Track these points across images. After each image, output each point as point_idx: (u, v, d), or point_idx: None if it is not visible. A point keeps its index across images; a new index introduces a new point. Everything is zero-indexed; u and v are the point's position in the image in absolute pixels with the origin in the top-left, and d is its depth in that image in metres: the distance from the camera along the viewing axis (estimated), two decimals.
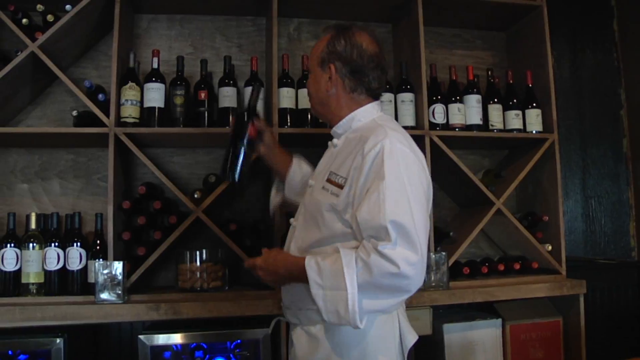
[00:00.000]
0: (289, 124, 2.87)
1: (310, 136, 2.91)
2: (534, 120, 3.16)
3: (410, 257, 1.62)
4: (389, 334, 1.84)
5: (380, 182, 1.67)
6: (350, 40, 1.91)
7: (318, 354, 1.84)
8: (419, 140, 2.94)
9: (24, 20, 2.76)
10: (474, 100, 3.09)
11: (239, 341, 2.66)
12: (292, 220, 2.07)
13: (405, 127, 2.91)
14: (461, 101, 3.08)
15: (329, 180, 1.86)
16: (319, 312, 1.73)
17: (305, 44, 3.30)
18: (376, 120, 1.93)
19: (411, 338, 1.90)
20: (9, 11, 2.76)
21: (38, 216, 2.72)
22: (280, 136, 2.77)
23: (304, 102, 2.89)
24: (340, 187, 1.80)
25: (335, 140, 1.99)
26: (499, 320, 2.95)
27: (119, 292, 2.57)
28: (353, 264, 1.65)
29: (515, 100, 3.18)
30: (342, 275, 1.64)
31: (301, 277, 1.74)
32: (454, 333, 2.86)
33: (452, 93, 3.10)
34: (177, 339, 2.59)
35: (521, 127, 3.16)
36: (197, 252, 2.73)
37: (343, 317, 1.65)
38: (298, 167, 2.29)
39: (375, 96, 1.98)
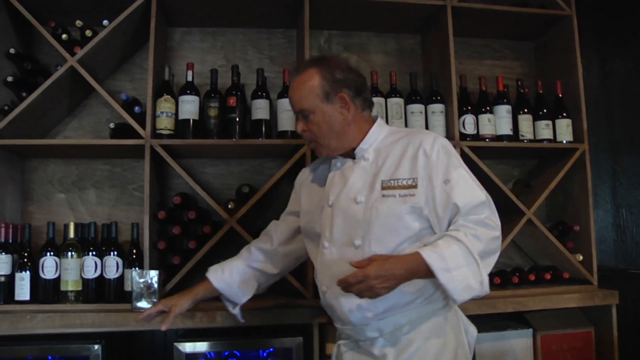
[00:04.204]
0: None
1: None
2: (564, 130, 3.16)
3: (498, 221, 1.86)
4: (458, 327, 1.99)
5: (458, 171, 1.88)
6: (343, 66, 1.99)
7: (410, 355, 1.89)
8: None
9: (64, 36, 2.85)
10: (504, 111, 3.10)
11: (271, 349, 2.70)
12: (326, 244, 1.98)
13: None
14: (491, 112, 3.09)
15: (388, 188, 1.90)
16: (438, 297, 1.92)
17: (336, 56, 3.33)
18: (393, 130, 2.07)
19: (473, 330, 2.06)
20: (50, 27, 2.85)
21: (76, 225, 2.79)
22: None
23: None
24: (412, 187, 1.88)
25: (367, 155, 2.00)
26: (530, 330, 2.95)
27: (155, 300, 2.61)
28: (466, 239, 1.76)
29: (545, 110, 3.18)
30: (466, 251, 1.75)
31: (421, 271, 1.75)
32: (485, 343, 2.86)
33: (482, 103, 3.11)
34: (211, 346, 2.64)
35: (551, 137, 3.16)
36: None
37: (475, 289, 1.75)
38: (225, 278, 2.26)
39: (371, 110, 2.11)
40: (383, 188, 1.91)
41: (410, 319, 1.90)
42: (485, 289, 1.77)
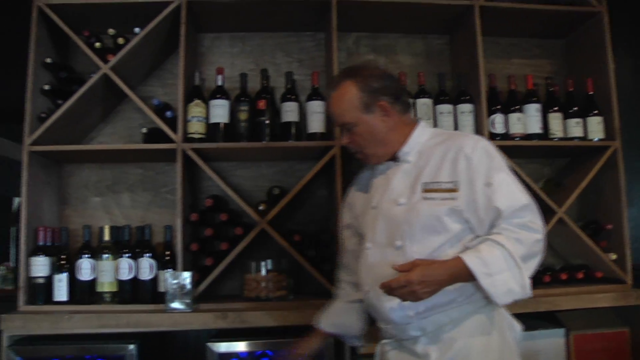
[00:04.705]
0: None
1: None
2: (596, 127, 3.13)
3: (541, 224, 1.86)
4: (502, 325, 1.96)
5: (500, 174, 1.87)
6: (378, 73, 2.01)
7: (453, 353, 1.88)
8: None
9: (97, 44, 2.93)
10: (533, 109, 3.09)
11: None
12: (369, 245, 2.03)
13: None
14: (521, 110, 3.08)
15: (429, 190, 1.92)
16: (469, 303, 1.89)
17: (364, 58, 3.35)
18: (436, 132, 2.08)
19: (517, 327, 2.03)
20: (84, 36, 2.93)
21: (111, 228, 2.87)
22: (342, 149, 2.84)
23: None
24: (453, 190, 1.88)
25: (410, 157, 2.01)
26: (562, 330, 2.91)
27: (188, 301, 2.67)
28: (508, 243, 1.78)
29: (575, 108, 3.15)
30: (508, 255, 1.76)
31: (463, 276, 1.78)
32: None
33: (511, 102, 3.10)
34: (243, 346, 2.67)
35: (582, 135, 3.13)
36: (263, 263, 2.83)
37: (517, 293, 1.77)
38: (334, 322, 2.29)
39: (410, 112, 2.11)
40: (424, 190, 1.92)
41: (452, 318, 1.90)
42: (527, 292, 1.79)
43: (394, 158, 2.05)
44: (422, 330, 1.93)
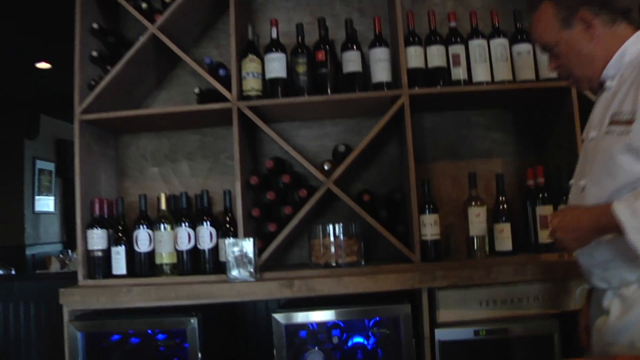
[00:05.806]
0: (418, 84, 2.65)
1: (443, 96, 2.68)
2: None
3: None
4: None
5: None
6: None
7: (632, 317, 1.58)
8: None
9: (144, 5, 2.80)
10: None
11: (377, 319, 2.50)
12: (572, 182, 1.83)
13: None
14: None
15: (613, 122, 1.60)
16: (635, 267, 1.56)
17: (430, 1, 3.06)
18: None
19: None
20: None
21: (168, 197, 2.74)
22: (411, 98, 2.60)
23: (434, 61, 2.69)
24: (628, 122, 1.54)
25: (608, 83, 1.70)
26: None
27: (251, 270, 2.49)
28: None
29: None
30: None
31: (610, 226, 1.47)
32: None
33: None
34: (312, 317, 2.47)
35: None
36: (330, 226, 2.62)
37: None
38: None
39: (630, 19, 1.71)
40: (610, 123, 1.63)
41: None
42: None
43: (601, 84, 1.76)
44: (607, 282, 1.66)
